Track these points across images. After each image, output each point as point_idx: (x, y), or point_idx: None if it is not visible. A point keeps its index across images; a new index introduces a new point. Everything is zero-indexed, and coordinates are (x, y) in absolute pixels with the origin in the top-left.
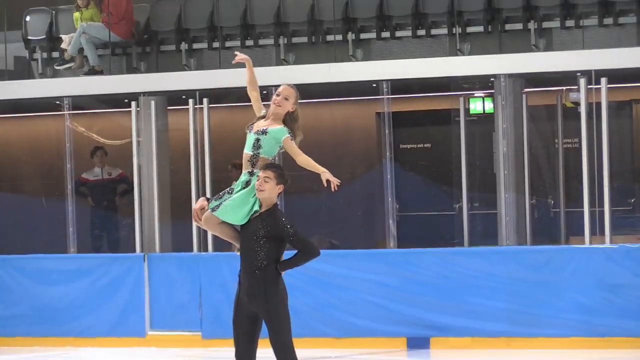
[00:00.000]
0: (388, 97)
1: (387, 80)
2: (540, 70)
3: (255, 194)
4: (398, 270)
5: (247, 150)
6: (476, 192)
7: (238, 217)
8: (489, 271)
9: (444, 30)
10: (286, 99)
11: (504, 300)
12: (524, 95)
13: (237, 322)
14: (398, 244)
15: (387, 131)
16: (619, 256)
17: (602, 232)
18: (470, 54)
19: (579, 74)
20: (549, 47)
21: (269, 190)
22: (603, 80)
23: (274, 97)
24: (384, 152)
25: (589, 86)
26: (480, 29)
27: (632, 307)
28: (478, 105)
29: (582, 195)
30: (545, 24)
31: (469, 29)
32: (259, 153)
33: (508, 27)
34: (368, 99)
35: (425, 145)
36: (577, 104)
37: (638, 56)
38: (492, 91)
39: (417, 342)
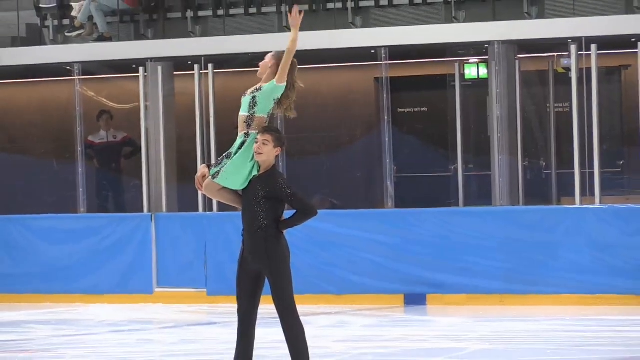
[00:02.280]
0: (386, 63)
1: (385, 47)
2: (532, 37)
3: (253, 158)
4: (396, 229)
5: (243, 112)
6: (471, 155)
7: (238, 182)
8: (483, 230)
9: None
10: (264, 60)
11: (498, 259)
12: (517, 61)
13: (240, 279)
14: (396, 204)
15: (385, 96)
16: (609, 216)
17: (592, 193)
18: (465, 21)
19: (570, 40)
20: (541, 15)
21: (267, 153)
22: (593, 46)
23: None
24: (382, 116)
25: (579, 52)
26: None
27: (622, 265)
28: (473, 70)
29: (573, 158)
30: None
31: None
32: (254, 112)
33: None
34: (367, 64)
35: (422, 109)
36: (568, 69)
37: (627, 23)
38: (487, 57)
39: (414, 299)
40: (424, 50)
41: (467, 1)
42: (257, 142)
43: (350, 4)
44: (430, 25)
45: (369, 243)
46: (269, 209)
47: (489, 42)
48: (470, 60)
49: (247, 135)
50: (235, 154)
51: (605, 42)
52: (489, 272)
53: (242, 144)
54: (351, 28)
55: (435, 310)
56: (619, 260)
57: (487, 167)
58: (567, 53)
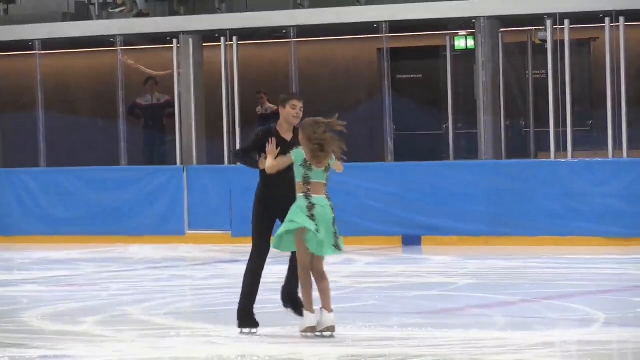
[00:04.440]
0: (387, 36)
1: (386, 22)
2: (513, 13)
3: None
4: (395, 180)
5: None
6: (460, 115)
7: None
8: (470, 181)
9: None
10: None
11: (483, 205)
12: (500, 34)
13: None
14: (395, 158)
15: (385, 64)
16: (579, 168)
17: (565, 149)
18: None
19: (546, 16)
20: None
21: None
22: (566, 21)
23: None
24: (384, 82)
25: (554, 26)
26: None
27: (589, 211)
28: (462, 42)
29: (549, 118)
30: None
31: None
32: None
33: None
34: (370, 37)
35: (418, 76)
36: (545, 41)
37: (596, 1)
38: (474, 30)
39: (411, 240)
40: (420, 24)
41: None
42: (295, 108)
43: None
44: (426, 3)
45: (372, 192)
46: None
47: (475, 18)
48: (459, 33)
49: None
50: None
51: (577, 18)
52: (476, 217)
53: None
54: (356, 5)
55: (429, 250)
56: (587, 206)
57: (474, 126)
58: (544, 27)
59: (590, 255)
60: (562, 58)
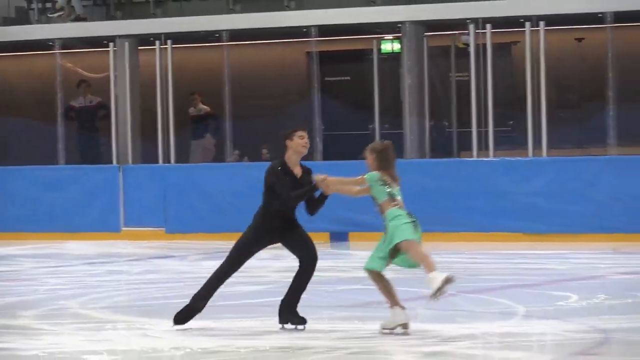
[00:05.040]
0: (316, 40)
1: (315, 26)
2: (437, 17)
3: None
4: None
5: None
6: (386, 116)
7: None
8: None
9: None
10: (365, 158)
11: (408, 203)
12: (424, 38)
13: (252, 252)
14: (323, 157)
15: (315, 67)
16: (500, 167)
17: (487, 148)
18: (381, 4)
19: (468, 20)
20: None
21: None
22: (488, 26)
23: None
24: (313, 84)
25: (477, 31)
26: None
27: (511, 209)
28: (388, 46)
29: (471, 118)
30: None
31: None
32: (378, 203)
33: None
34: (300, 41)
35: (346, 78)
36: (468, 45)
37: (517, 5)
38: (400, 35)
39: (338, 236)
40: (348, 28)
41: None
42: (303, 138)
43: None
44: (353, 8)
45: None
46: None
47: (401, 22)
48: (385, 37)
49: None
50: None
51: (499, 22)
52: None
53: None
54: (286, 10)
55: (356, 245)
56: (508, 203)
57: (399, 126)
58: (467, 31)
59: (511, 250)
60: (485, 61)
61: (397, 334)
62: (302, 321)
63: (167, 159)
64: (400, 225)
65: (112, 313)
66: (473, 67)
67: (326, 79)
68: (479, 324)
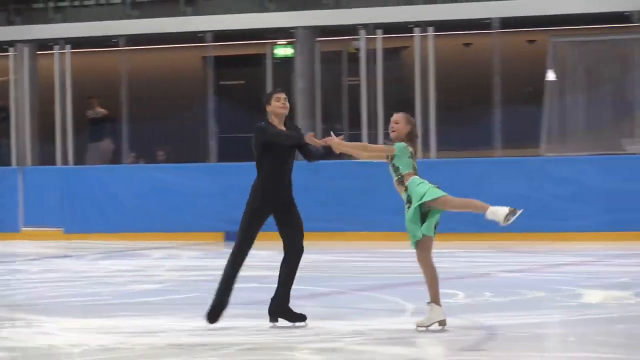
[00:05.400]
0: (211, 45)
1: (210, 31)
2: (329, 23)
3: (417, 201)
4: (218, 179)
5: (394, 179)
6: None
7: (418, 226)
8: (294, 181)
9: None
10: (396, 122)
11: (303, 203)
12: (316, 43)
13: (256, 227)
14: (218, 158)
15: (210, 71)
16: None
17: None
18: (275, 10)
19: (359, 26)
20: (336, 5)
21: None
22: (378, 31)
23: (391, 125)
24: (208, 88)
25: (367, 36)
26: None
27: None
28: (281, 51)
29: (362, 121)
30: None
31: None
32: (401, 173)
33: None
34: (196, 46)
35: (240, 82)
36: (358, 50)
37: (406, 12)
38: (293, 40)
39: (232, 236)
40: (242, 33)
41: None
42: (279, 100)
43: None
44: (247, 14)
45: (197, 190)
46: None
47: (294, 28)
48: (278, 42)
49: (406, 190)
50: (407, 211)
51: (389, 28)
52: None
53: (408, 200)
54: (183, 16)
55: (255, 244)
56: (398, 203)
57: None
58: (358, 37)
59: (401, 249)
60: (375, 66)
61: (434, 331)
62: (301, 318)
63: (65, 161)
64: (429, 187)
65: (11, 311)
66: (364, 72)
67: (221, 82)
68: (368, 321)
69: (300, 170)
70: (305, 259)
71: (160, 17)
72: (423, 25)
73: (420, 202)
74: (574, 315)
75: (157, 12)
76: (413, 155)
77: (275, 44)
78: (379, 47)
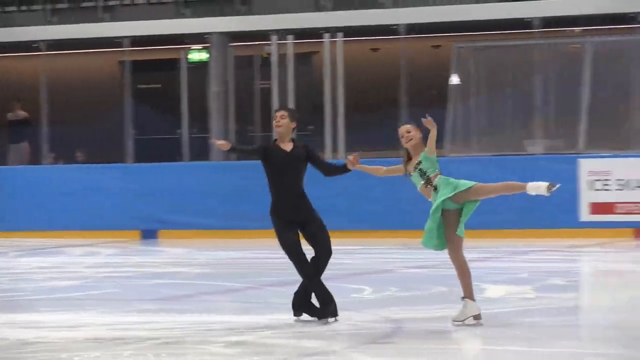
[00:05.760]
0: (128, 49)
1: (127, 37)
2: (242, 29)
3: (449, 193)
4: (135, 179)
5: (420, 185)
6: (194, 121)
7: (434, 235)
8: (203, 180)
9: None
10: (409, 132)
11: (215, 202)
12: (230, 48)
13: (289, 236)
14: (135, 159)
15: (127, 75)
16: None
17: None
18: (190, 16)
19: (271, 32)
20: (249, 12)
21: (285, 125)
22: (290, 37)
23: (401, 138)
24: (125, 91)
25: (279, 41)
26: None
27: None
28: (196, 55)
29: (273, 123)
30: None
31: None
32: (428, 176)
33: None
34: (113, 50)
35: (157, 86)
36: (270, 54)
37: (317, 18)
38: (207, 45)
39: (149, 234)
40: (158, 39)
41: (192, 1)
42: (275, 119)
43: (99, 3)
44: (163, 20)
45: (114, 190)
46: (304, 173)
47: (208, 33)
48: (193, 47)
49: (435, 189)
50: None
51: (300, 33)
52: (208, 213)
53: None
54: (101, 22)
55: (165, 242)
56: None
57: (206, 131)
58: (270, 42)
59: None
60: (286, 70)
61: (470, 325)
62: (319, 316)
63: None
64: (459, 181)
65: None
66: (275, 76)
67: (138, 86)
68: (279, 315)
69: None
70: (208, 256)
71: (79, 23)
72: (332, 31)
73: (453, 193)
74: None
75: (77, 19)
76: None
77: (190, 49)
78: (290, 52)
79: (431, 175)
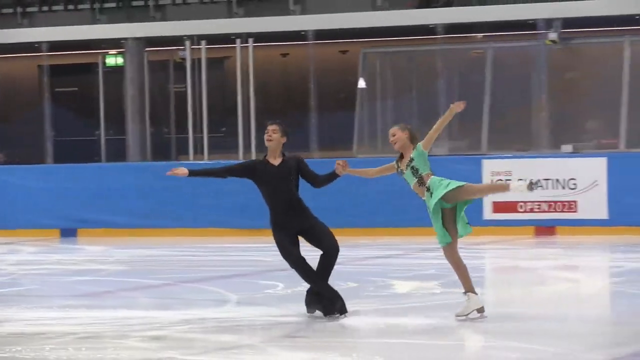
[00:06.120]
0: (47, 54)
1: (46, 42)
2: (157, 34)
3: (440, 193)
4: (54, 179)
5: (413, 182)
6: (111, 123)
7: (445, 231)
8: (120, 180)
9: (87, 5)
10: (393, 135)
11: (133, 201)
12: (145, 53)
13: (286, 242)
14: (55, 160)
15: (46, 79)
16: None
17: (202, 152)
18: (106, 22)
19: (185, 37)
20: (164, 17)
21: (276, 140)
22: (203, 42)
23: (390, 138)
24: (44, 94)
25: (192, 47)
26: (114, 4)
27: (228, 206)
28: (112, 60)
29: (188, 125)
30: (162, 1)
31: (106, 5)
32: (420, 174)
33: (135, 3)
34: (32, 55)
35: (74, 89)
36: (184, 59)
37: (228, 25)
38: (123, 50)
39: (68, 232)
40: (75, 44)
41: (108, 8)
42: (267, 133)
43: (18, 9)
44: (81, 26)
45: (34, 190)
46: (295, 185)
47: (124, 39)
48: (110, 52)
49: (428, 190)
50: (431, 205)
51: (212, 39)
52: (126, 212)
53: (430, 195)
54: (19, 27)
55: (84, 240)
56: (225, 202)
57: (123, 132)
58: (183, 47)
59: (224, 244)
60: (200, 74)
61: (474, 319)
62: (335, 310)
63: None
64: (450, 181)
65: None
66: (189, 79)
67: (56, 89)
68: (195, 310)
69: (125, 171)
70: (126, 253)
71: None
72: (244, 36)
73: (444, 193)
74: (386, 304)
75: None
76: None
77: (106, 53)
78: (203, 56)
79: (423, 175)
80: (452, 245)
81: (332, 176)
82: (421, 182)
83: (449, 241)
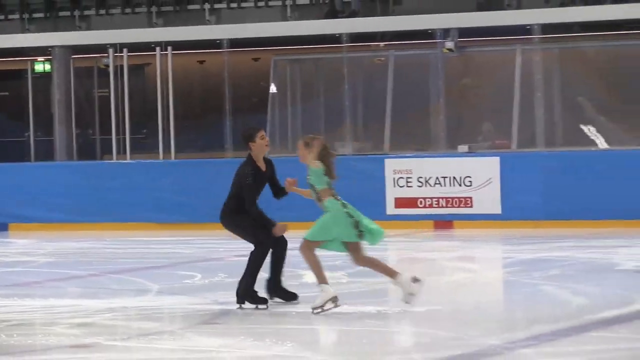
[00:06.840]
0: None
1: None
2: (82, 42)
3: (339, 217)
4: None
5: (314, 197)
6: (39, 125)
7: (339, 232)
8: (49, 178)
9: (16, 16)
10: (298, 149)
11: (62, 198)
12: (71, 60)
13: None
14: None
15: None
16: (137, 168)
17: (125, 152)
18: (34, 31)
19: (108, 45)
20: (89, 27)
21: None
22: (125, 49)
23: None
24: None
25: (115, 54)
26: (42, 14)
27: (145, 202)
28: (40, 66)
29: (111, 127)
30: (86, 12)
31: (35, 15)
32: (316, 190)
33: (61, 13)
34: None
35: (5, 94)
36: (108, 66)
37: (148, 34)
38: (51, 57)
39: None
40: (5, 51)
41: (36, 18)
42: (263, 138)
43: None
44: (10, 34)
45: None
46: None
47: (51, 47)
48: (38, 59)
49: (323, 206)
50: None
51: (134, 47)
52: (55, 207)
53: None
54: None
55: (15, 234)
56: (143, 198)
57: (51, 134)
58: (107, 54)
59: (146, 237)
60: (122, 80)
61: (329, 309)
62: (294, 296)
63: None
64: (336, 219)
65: None
66: (112, 85)
67: None
68: (119, 299)
69: (53, 170)
70: (55, 246)
71: None
72: (163, 45)
73: (348, 240)
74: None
75: None
76: (328, 172)
77: (35, 60)
78: (125, 63)
79: (319, 190)
80: (314, 244)
81: (284, 191)
82: (318, 199)
83: (316, 241)
